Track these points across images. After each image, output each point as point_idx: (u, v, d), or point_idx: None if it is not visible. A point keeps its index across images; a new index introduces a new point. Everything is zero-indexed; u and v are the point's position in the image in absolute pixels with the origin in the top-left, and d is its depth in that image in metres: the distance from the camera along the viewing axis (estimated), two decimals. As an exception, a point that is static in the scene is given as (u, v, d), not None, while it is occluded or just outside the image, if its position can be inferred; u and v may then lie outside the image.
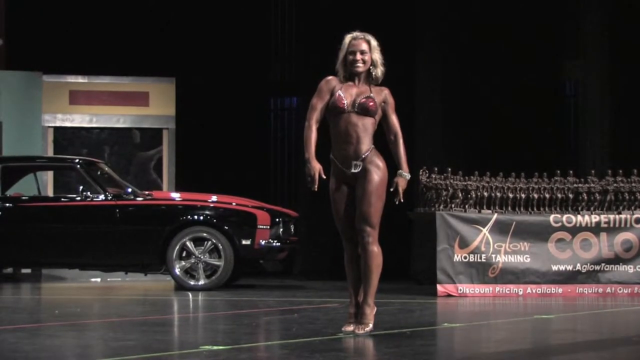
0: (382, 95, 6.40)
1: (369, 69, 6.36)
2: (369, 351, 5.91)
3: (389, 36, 12.23)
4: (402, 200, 6.36)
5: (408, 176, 6.39)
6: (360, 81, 6.39)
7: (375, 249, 6.31)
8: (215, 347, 5.81)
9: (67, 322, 7.55)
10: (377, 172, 6.30)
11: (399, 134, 6.40)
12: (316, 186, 6.29)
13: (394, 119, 6.40)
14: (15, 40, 13.58)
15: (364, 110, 6.33)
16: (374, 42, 6.39)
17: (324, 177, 6.32)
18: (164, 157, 13.60)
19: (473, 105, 12.49)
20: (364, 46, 6.36)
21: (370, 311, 6.38)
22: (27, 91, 13.14)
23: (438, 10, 12.55)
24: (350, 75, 6.38)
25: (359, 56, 6.34)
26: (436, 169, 10.17)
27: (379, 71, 6.38)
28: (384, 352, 5.77)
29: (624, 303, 9.51)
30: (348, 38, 6.39)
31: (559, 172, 10.25)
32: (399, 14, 12.87)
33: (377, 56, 6.37)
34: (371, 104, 6.34)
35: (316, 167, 6.28)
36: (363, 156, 6.30)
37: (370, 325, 6.36)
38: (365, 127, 6.32)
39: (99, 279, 12.48)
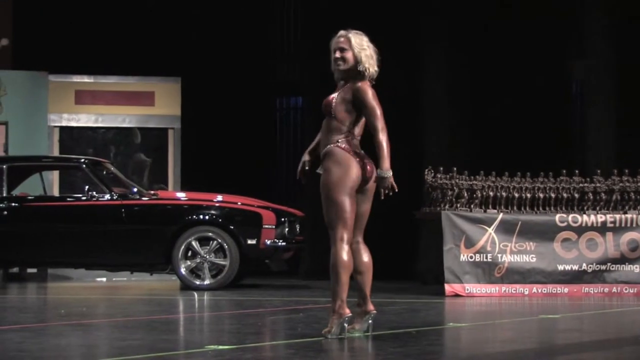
0: (350, 91, 6.21)
1: (357, 67, 6.22)
2: (374, 351, 5.90)
3: (394, 35, 12.30)
4: (382, 198, 6.17)
5: (384, 173, 6.10)
6: (349, 81, 6.25)
7: (332, 250, 6.18)
8: (220, 347, 5.81)
9: (72, 322, 7.57)
10: (326, 175, 6.16)
11: (375, 130, 6.14)
12: (298, 176, 6.37)
13: (367, 115, 6.17)
14: (21, 40, 13.61)
15: (324, 110, 6.27)
16: (355, 39, 6.22)
17: (307, 168, 6.35)
18: (170, 156, 13.63)
19: (478, 104, 12.48)
20: (344, 44, 6.21)
21: (330, 316, 6.20)
22: (33, 91, 13.18)
23: (443, 10, 12.55)
24: (340, 76, 6.27)
25: (338, 54, 6.21)
26: (442, 168, 10.17)
27: (366, 67, 6.18)
28: (389, 352, 5.76)
29: (630, 303, 9.51)
30: (334, 38, 6.32)
31: (564, 171, 10.25)
32: (404, 14, 12.86)
33: (359, 52, 6.20)
34: (326, 103, 6.24)
35: (304, 158, 6.34)
36: (321, 158, 6.23)
37: (327, 329, 6.18)
38: (329, 129, 6.22)
39: (104, 279, 12.51)
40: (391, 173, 6.11)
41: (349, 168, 6.13)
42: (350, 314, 6.20)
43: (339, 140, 6.17)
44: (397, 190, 6.15)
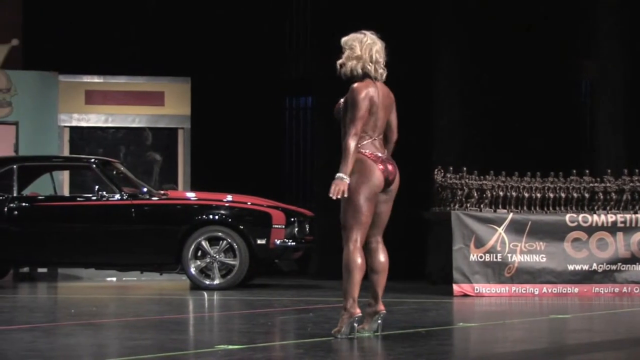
0: (346, 95, 6.29)
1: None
2: (384, 351, 5.93)
3: (405, 34, 12.30)
4: (330, 195, 6.13)
5: (340, 176, 6.10)
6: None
7: (345, 250, 6.22)
8: (230, 347, 5.84)
9: (83, 322, 7.62)
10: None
11: (346, 133, 6.14)
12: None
13: (348, 114, 6.19)
14: (31, 41, 13.68)
15: (335, 117, 6.32)
16: (344, 40, 6.27)
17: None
18: (180, 156, 13.67)
19: (489, 104, 12.48)
20: None
21: (341, 315, 6.23)
22: (43, 91, 13.25)
23: (455, 10, 12.58)
24: None
25: None
26: (451, 168, 10.21)
27: (348, 68, 6.21)
28: (399, 352, 5.78)
29: (640, 303, 9.54)
30: None
31: (574, 171, 10.28)
32: (415, 12, 12.88)
33: (344, 52, 6.25)
34: (335, 109, 6.31)
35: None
36: None
37: (336, 329, 6.23)
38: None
39: (114, 279, 12.57)
40: (347, 180, 6.11)
41: (371, 174, 6.17)
42: (360, 314, 6.23)
43: (361, 145, 6.17)
44: (340, 196, 6.10)
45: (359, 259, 6.17)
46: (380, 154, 6.24)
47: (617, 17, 11.96)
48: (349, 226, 6.20)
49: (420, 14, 12.75)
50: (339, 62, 6.24)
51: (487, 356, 5.86)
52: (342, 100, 6.29)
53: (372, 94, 6.18)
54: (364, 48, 6.20)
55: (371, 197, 6.19)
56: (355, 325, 6.21)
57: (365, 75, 6.21)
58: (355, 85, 6.20)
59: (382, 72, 6.25)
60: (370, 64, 6.20)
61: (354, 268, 6.15)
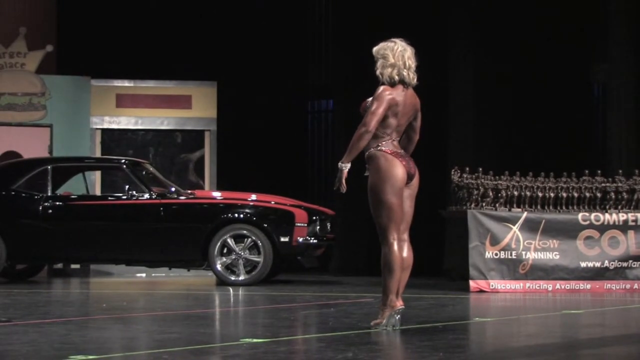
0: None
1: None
2: (402, 344, 5.98)
3: (422, 37, 12.41)
4: (335, 189, 6.30)
5: (340, 165, 6.29)
6: None
7: (385, 250, 6.33)
8: (255, 340, 5.92)
9: (114, 315, 7.71)
10: (372, 178, 6.32)
11: (361, 123, 6.32)
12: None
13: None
14: (65, 47, 13.81)
15: (362, 115, 6.49)
16: (375, 49, 6.46)
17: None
18: (206, 157, 13.68)
19: (503, 106, 12.50)
20: None
21: (381, 308, 6.40)
22: (76, 95, 13.38)
23: (470, 12, 12.59)
24: None
25: None
26: (467, 168, 10.28)
27: (378, 73, 6.41)
28: (417, 345, 5.84)
29: (651, 299, 9.57)
30: None
31: (587, 171, 10.33)
32: (432, 17, 12.92)
33: (376, 60, 6.43)
34: (361, 109, 6.47)
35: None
36: (366, 162, 6.42)
37: (378, 321, 6.38)
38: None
39: (144, 274, 12.67)
40: (346, 167, 6.26)
41: (393, 168, 6.28)
42: (402, 306, 6.38)
43: (380, 144, 6.32)
44: (343, 190, 6.29)
45: (398, 256, 6.29)
46: (399, 151, 6.38)
47: (630, 21, 11.96)
48: (384, 226, 6.30)
49: (438, 19, 12.77)
50: (377, 72, 6.38)
51: (502, 350, 5.86)
52: (369, 99, 6.43)
53: (395, 97, 6.35)
54: (396, 55, 6.36)
55: (398, 192, 6.28)
56: (397, 317, 6.34)
57: (400, 81, 6.37)
58: (380, 89, 6.36)
59: (414, 77, 6.42)
60: (405, 69, 6.36)
61: (395, 266, 6.28)
